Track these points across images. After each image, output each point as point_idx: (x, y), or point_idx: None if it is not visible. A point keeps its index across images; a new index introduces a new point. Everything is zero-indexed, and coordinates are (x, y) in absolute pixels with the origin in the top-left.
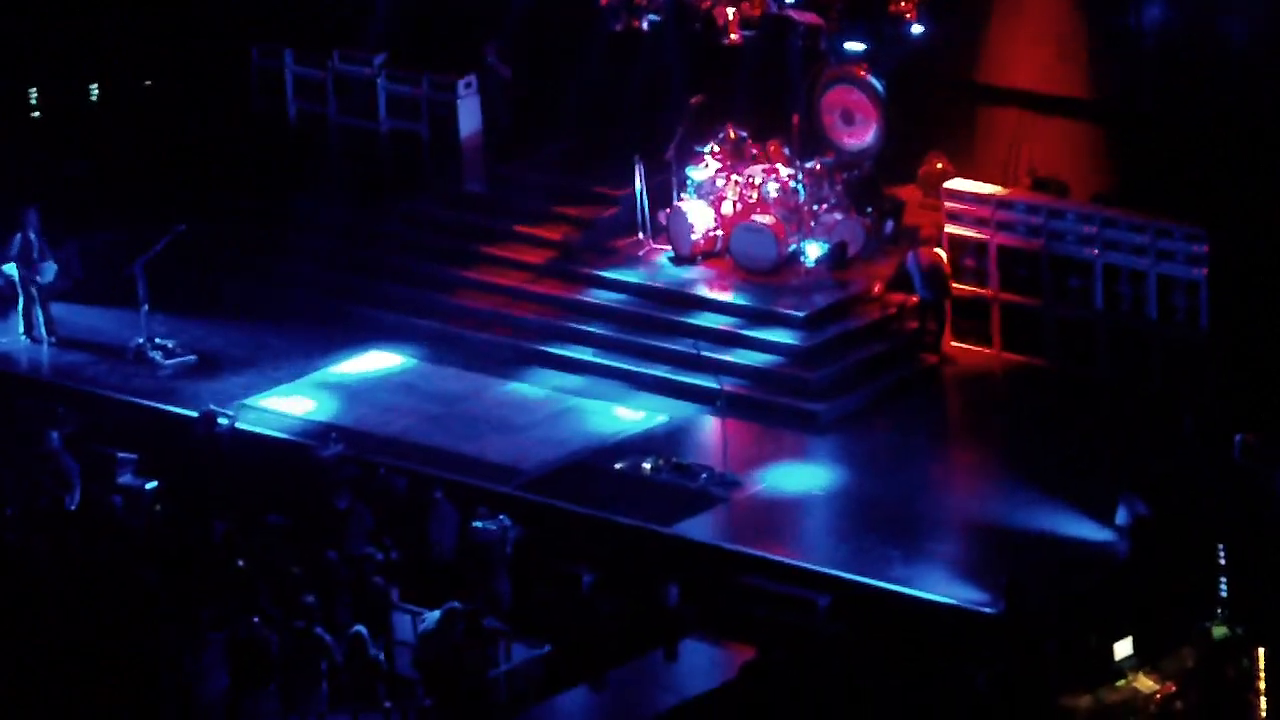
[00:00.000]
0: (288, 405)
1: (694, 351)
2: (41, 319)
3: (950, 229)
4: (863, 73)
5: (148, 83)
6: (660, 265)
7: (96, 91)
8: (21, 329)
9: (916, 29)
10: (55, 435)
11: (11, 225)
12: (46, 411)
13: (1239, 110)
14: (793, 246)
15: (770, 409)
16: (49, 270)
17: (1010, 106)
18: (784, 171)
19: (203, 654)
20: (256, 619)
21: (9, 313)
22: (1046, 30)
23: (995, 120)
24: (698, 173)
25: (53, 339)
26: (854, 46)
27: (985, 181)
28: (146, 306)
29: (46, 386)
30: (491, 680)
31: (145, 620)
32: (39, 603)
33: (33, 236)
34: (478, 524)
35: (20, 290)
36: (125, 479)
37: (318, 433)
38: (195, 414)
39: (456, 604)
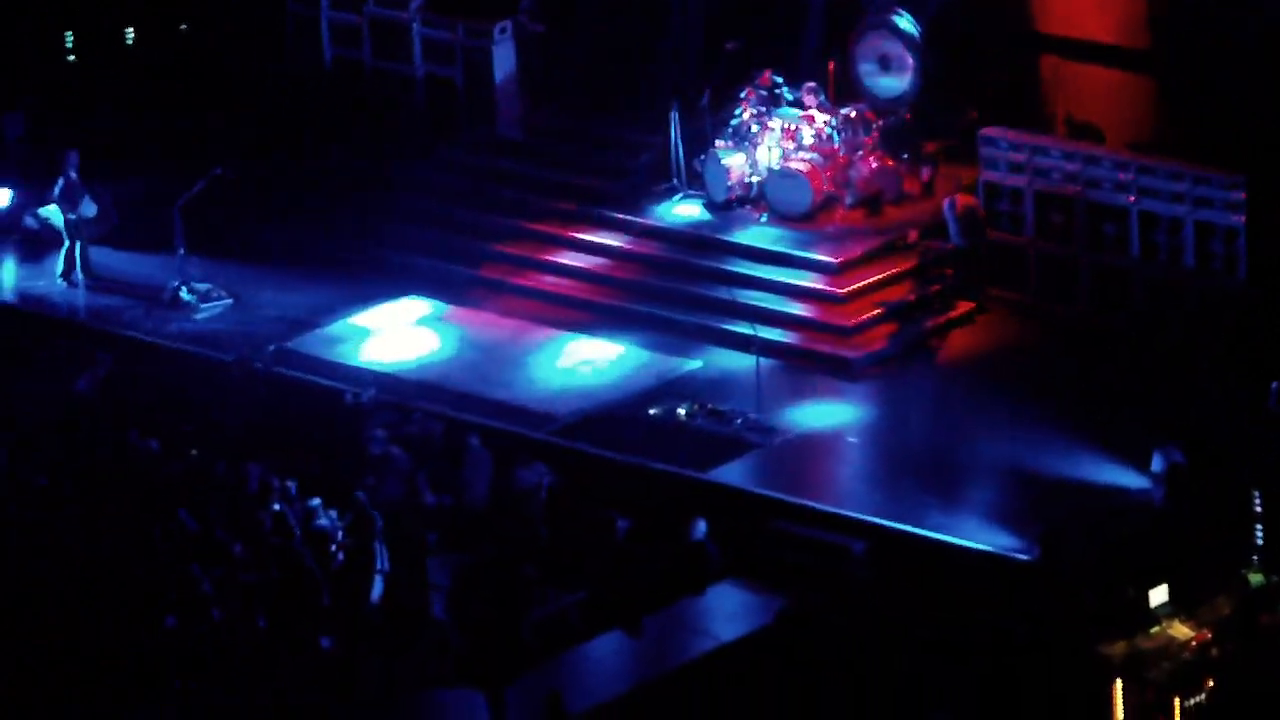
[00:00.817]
0: (323, 349)
1: (729, 297)
2: (80, 262)
3: (985, 176)
4: (900, 19)
5: (183, 27)
6: (695, 211)
7: (132, 35)
8: (60, 270)
9: None
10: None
11: (52, 169)
12: (82, 354)
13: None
14: (827, 192)
15: (805, 355)
16: (89, 206)
17: (1049, 53)
18: (819, 118)
19: (235, 595)
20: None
21: (45, 256)
22: None
23: (1033, 66)
24: (734, 119)
25: (90, 282)
26: None
27: (1022, 128)
28: (183, 250)
29: (82, 329)
30: (525, 626)
31: (180, 561)
32: (64, 551)
33: (74, 177)
34: (518, 471)
35: (65, 234)
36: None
37: (352, 378)
38: (230, 357)
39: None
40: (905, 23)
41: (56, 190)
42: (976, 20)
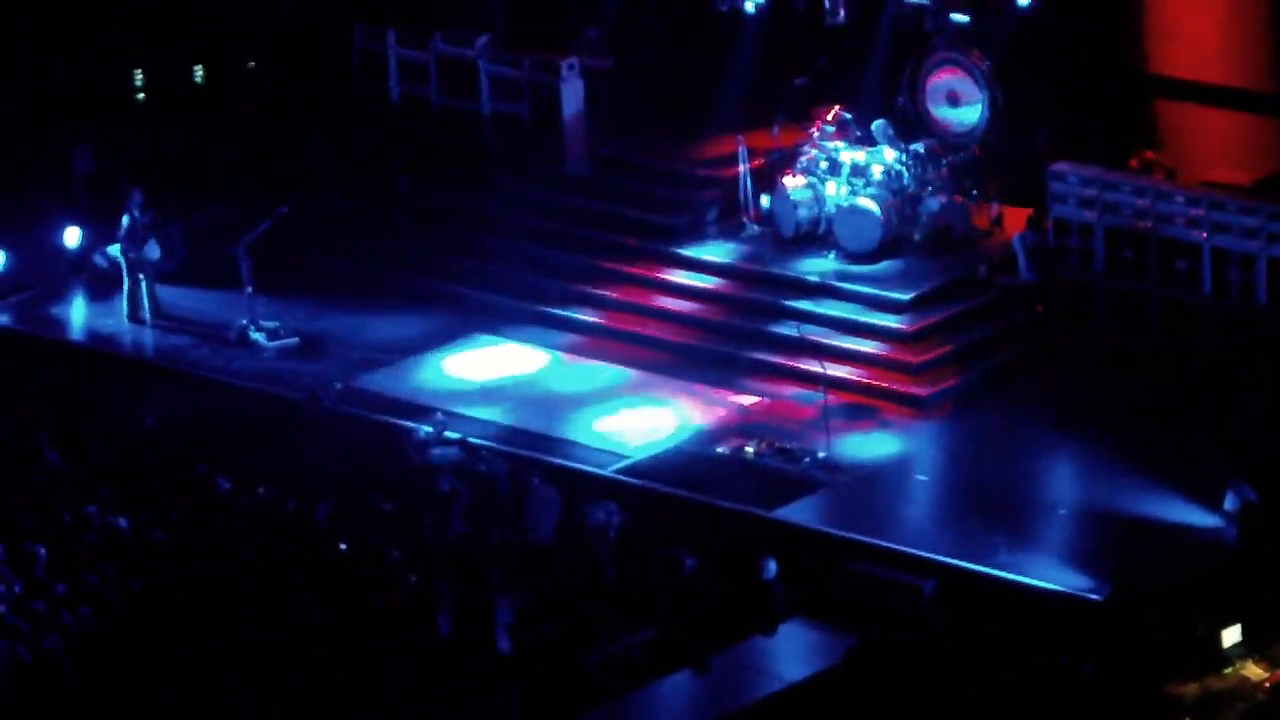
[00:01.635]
0: (390, 387)
1: (797, 334)
2: (147, 301)
3: (1055, 210)
4: (970, 53)
5: (251, 64)
6: (764, 247)
7: (201, 73)
8: (126, 311)
9: (1023, 0)
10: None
11: (119, 207)
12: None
13: None
14: (896, 229)
15: (874, 392)
16: (153, 249)
17: (1124, 85)
18: (889, 153)
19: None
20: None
21: (115, 295)
22: (1163, 9)
23: (1108, 100)
24: (802, 154)
25: (157, 322)
26: (959, 18)
27: (1095, 163)
28: (250, 288)
29: (148, 368)
30: (590, 664)
31: (250, 602)
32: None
33: (138, 215)
34: (588, 508)
35: (126, 272)
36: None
37: (419, 416)
38: (299, 395)
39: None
40: (975, 57)
41: (122, 229)
42: (1046, 52)
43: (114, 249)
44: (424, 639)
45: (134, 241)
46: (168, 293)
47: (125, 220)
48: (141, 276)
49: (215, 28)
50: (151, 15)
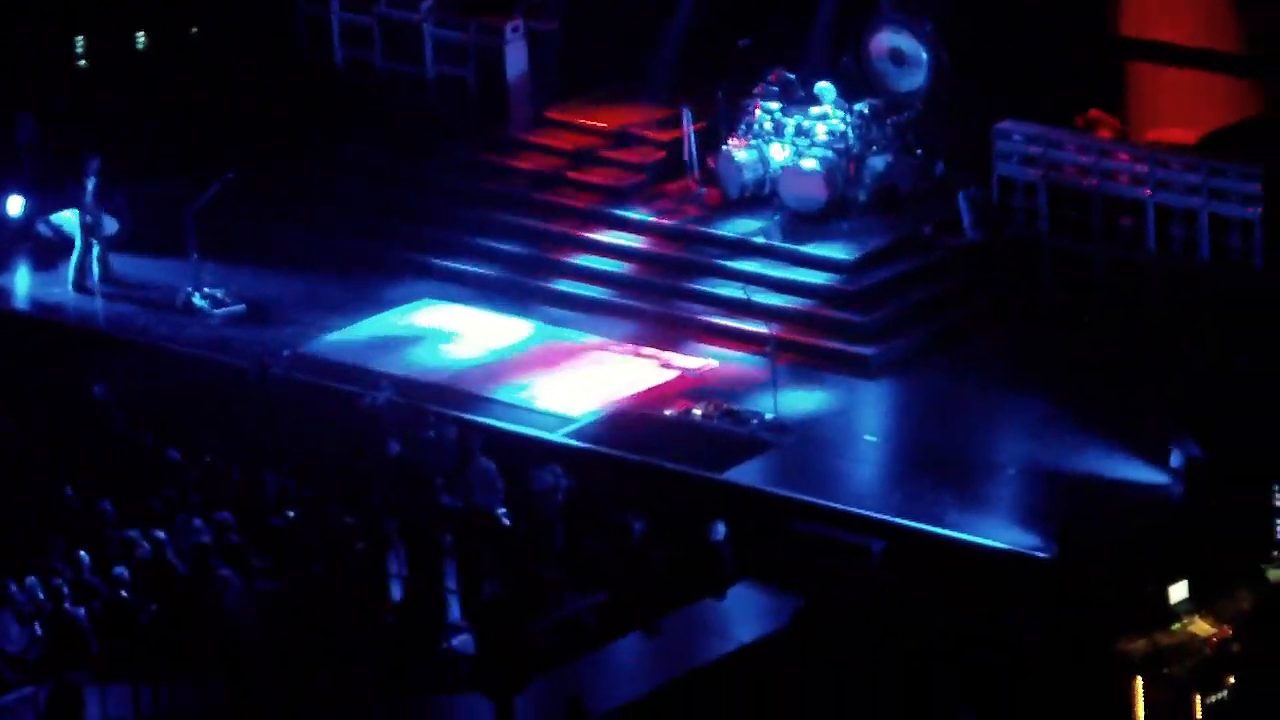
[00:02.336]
0: (338, 353)
1: (744, 296)
2: (97, 269)
3: (1000, 170)
4: (914, 12)
5: (194, 30)
6: (709, 209)
7: (143, 40)
8: (73, 280)
9: None
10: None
11: (62, 175)
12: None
13: None
14: (841, 189)
15: (821, 353)
16: (110, 223)
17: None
18: (833, 114)
19: (253, 602)
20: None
21: (58, 263)
22: None
23: (1052, 58)
24: (747, 116)
25: (107, 289)
26: None
27: (1040, 122)
28: (196, 255)
29: (96, 337)
30: (539, 630)
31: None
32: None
33: (96, 181)
34: (534, 471)
35: (80, 239)
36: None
37: (367, 381)
38: (245, 363)
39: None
40: (919, 17)
41: (87, 192)
42: (992, 12)
43: (60, 217)
44: (374, 606)
45: (95, 207)
46: (114, 260)
47: (92, 182)
48: (94, 243)
49: None
50: None
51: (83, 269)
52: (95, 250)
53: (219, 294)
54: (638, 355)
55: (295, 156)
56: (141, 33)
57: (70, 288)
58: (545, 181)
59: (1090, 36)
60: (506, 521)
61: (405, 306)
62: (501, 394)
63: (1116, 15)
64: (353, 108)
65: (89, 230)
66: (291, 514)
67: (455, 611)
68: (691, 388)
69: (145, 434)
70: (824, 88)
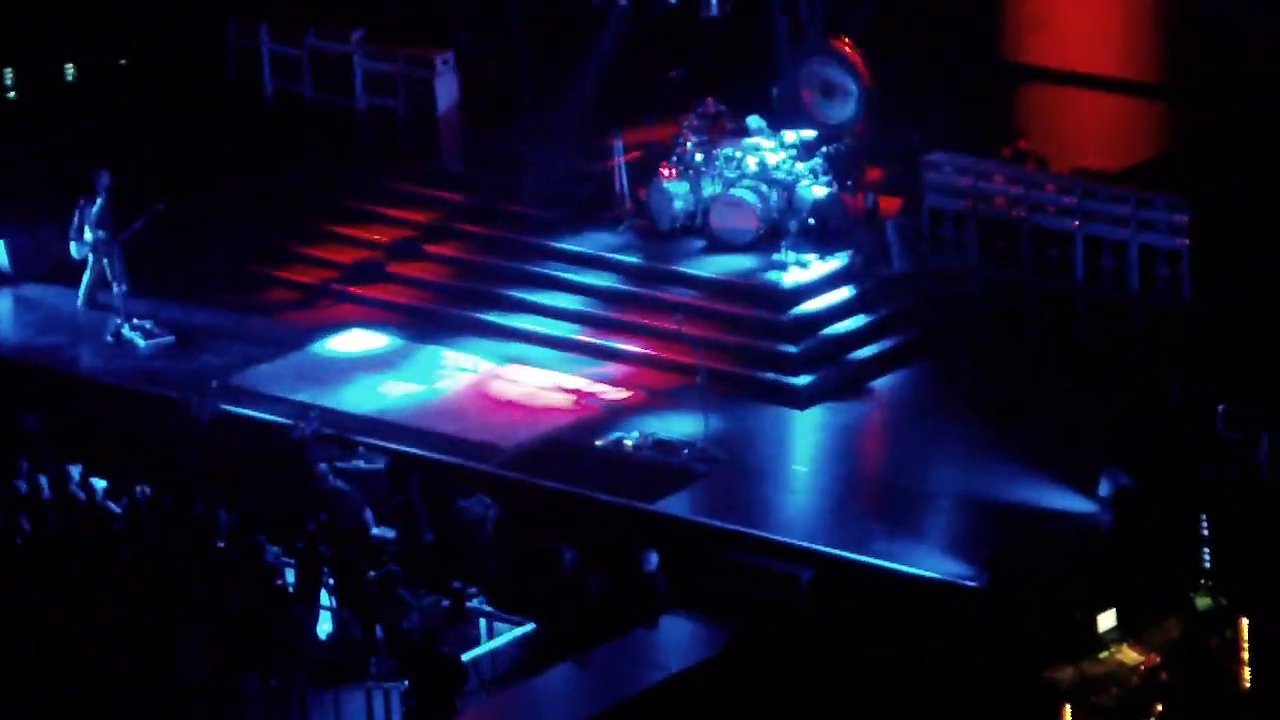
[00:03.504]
0: (267, 384)
1: (675, 326)
2: (106, 279)
3: (929, 200)
4: (843, 44)
5: (123, 61)
6: (640, 240)
7: (72, 71)
8: (83, 298)
9: None
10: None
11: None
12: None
13: (1222, 80)
14: (773, 220)
15: (751, 384)
16: (84, 247)
17: (996, 76)
18: (764, 145)
19: (187, 636)
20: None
21: None
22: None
23: (980, 90)
24: (678, 146)
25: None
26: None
27: (969, 153)
28: (125, 287)
29: (21, 369)
30: (473, 659)
31: (126, 602)
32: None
33: (105, 200)
34: (462, 503)
35: (92, 257)
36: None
37: (297, 412)
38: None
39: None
40: (849, 49)
41: (92, 212)
42: (920, 45)
43: (76, 247)
44: (304, 637)
45: (105, 224)
46: (41, 292)
47: (100, 201)
48: (105, 260)
49: (86, 25)
50: (21, 13)
51: (94, 285)
52: (107, 266)
53: (148, 325)
54: (568, 386)
55: (224, 187)
56: (70, 64)
57: (81, 304)
58: (475, 214)
59: (1015, 68)
60: (435, 552)
61: (333, 337)
62: (430, 424)
63: (1042, 46)
64: (283, 138)
65: (99, 247)
66: (221, 545)
67: (384, 643)
68: (621, 418)
69: (72, 465)
70: (754, 118)
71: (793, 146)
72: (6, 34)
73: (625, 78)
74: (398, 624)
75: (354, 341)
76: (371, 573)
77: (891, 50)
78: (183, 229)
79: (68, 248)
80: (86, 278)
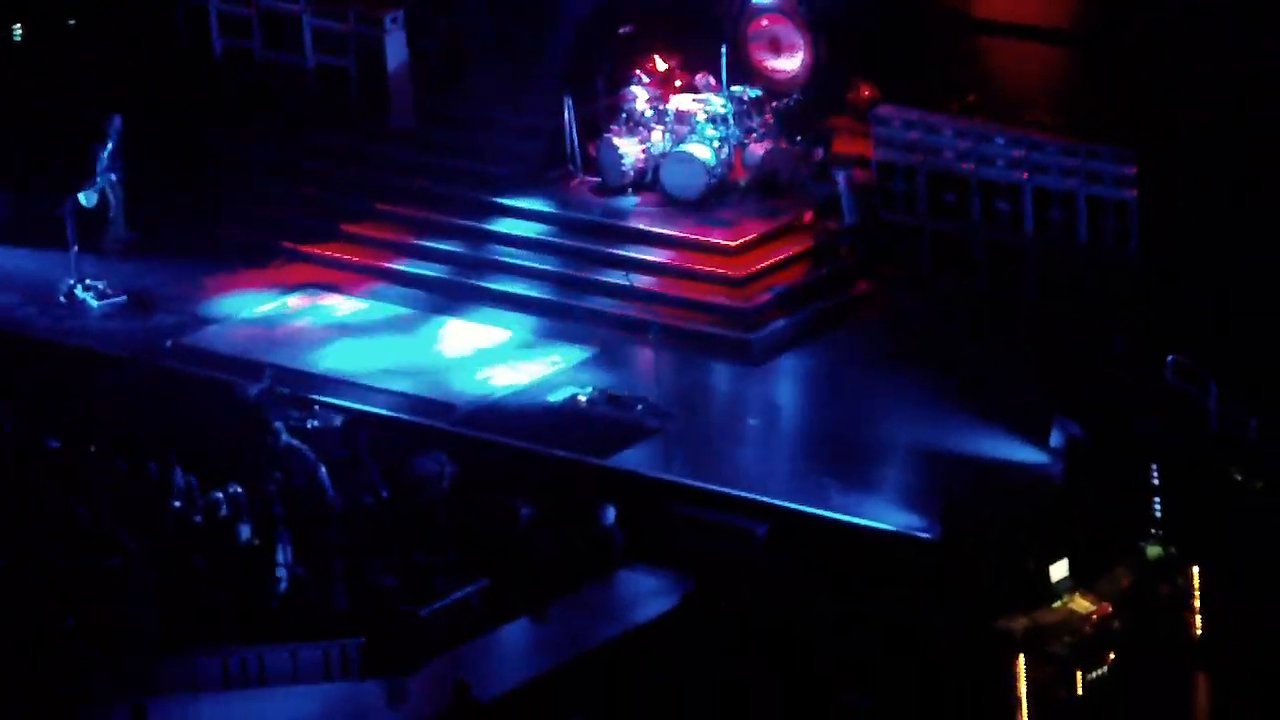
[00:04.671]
0: (220, 343)
1: (626, 283)
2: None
3: (879, 155)
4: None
5: (71, 22)
6: (590, 197)
7: (20, 31)
8: (109, 242)
9: None
10: None
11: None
12: None
13: (1168, 31)
14: (721, 175)
15: (703, 339)
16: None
17: (945, 28)
18: (713, 101)
19: (136, 590)
20: (197, 559)
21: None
22: None
23: (929, 44)
24: (627, 103)
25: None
26: None
27: (917, 107)
28: (76, 248)
29: None
30: (428, 615)
31: (76, 555)
32: None
33: (116, 145)
34: (418, 460)
35: (113, 200)
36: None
37: (250, 370)
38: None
39: None
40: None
41: (104, 155)
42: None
43: (86, 195)
44: (260, 595)
45: (115, 168)
46: None
47: (110, 145)
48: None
49: None
50: None
51: (114, 228)
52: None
53: (101, 285)
54: (522, 342)
55: (175, 147)
56: (18, 25)
57: (109, 249)
58: (426, 170)
59: (963, 20)
60: (390, 509)
61: (287, 295)
62: (385, 382)
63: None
64: (232, 98)
65: (111, 189)
66: (178, 504)
67: (341, 599)
68: (575, 374)
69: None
70: (704, 75)
71: (742, 102)
72: None
73: (576, 34)
74: (356, 581)
75: (310, 300)
76: (330, 528)
77: (839, 5)
78: (134, 191)
79: (74, 199)
80: (113, 220)
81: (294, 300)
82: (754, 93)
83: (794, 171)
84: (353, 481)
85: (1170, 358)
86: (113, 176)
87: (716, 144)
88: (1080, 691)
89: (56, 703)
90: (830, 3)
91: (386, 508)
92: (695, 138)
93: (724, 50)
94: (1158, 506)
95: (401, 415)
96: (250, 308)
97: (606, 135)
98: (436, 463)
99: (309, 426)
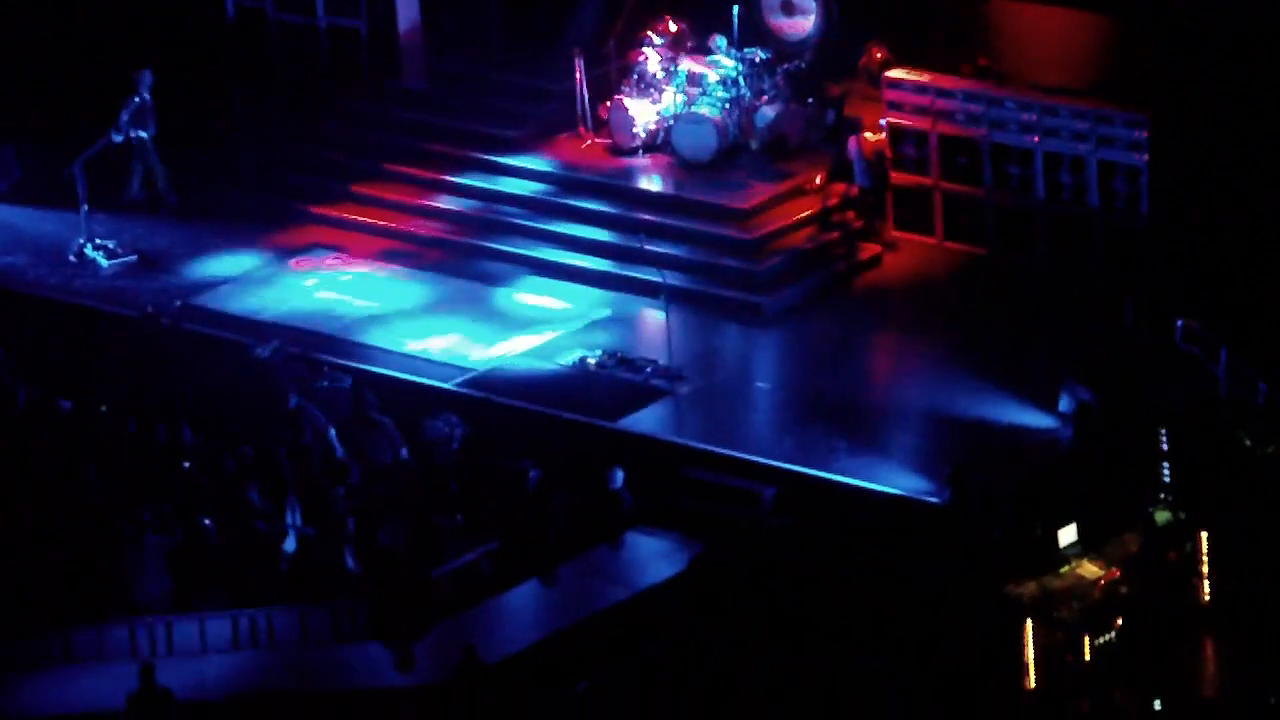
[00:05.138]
0: (230, 303)
1: (638, 245)
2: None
3: (891, 118)
4: None
5: None
6: (601, 159)
7: None
8: (137, 191)
9: None
10: None
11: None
12: None
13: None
14: (733, 137)
15: (714, 302)
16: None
17: None
18: (725, 63)
19: (142, 555)
20: (206, 520)
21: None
22: None
23: (940, 6)
24: (639, 65)
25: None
26: None
27: (929, 70)
28: (86, 207)
29: None
30: (437, 577)
31: (85, 519)
32: None
33: (147, 99)
34: (428, 421)
35: (135, 155)
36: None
37: (259, 331)
38: (137, 313)
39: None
40: None
41: (127, 112)
42: None
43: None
44: (270, 556)
45: (141, 123)
46: (4, 213)
47: (135, 101)
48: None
49: None
50: None
51: (149, 180)
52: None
53: (111, 245)
54: (533, 304)
55: (186, 107)
56: None
57: (136, 199)
58: (436, 132)
59: None
60: (403, 470)
61: (297, 256)
62: (396, 344)
63: None
64: (244, 58)
65: (139, 145)
66: (186, 465)
67: (351, 561)
68: (585, 337)
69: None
70: (715, 37)
71: (753, 64)
72: None
73: None
74: (367, 541)
75: (320, 262)
76: (340, 490)
77: None
78: (145, 151)
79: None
80: (140, 172)
81: (304, 261)
82: (765, 54)
83: (805, 134)
84: (368, 442)
85: (1180, 322)
86: (143, 134)
87: (727, 106)
88: (1088, 656)
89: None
90: None
91: (402, 468)
92: (707, 99)
93: (736, 11)
94: (1166, 471)
95: (412, 377)
96: (260, 268)
97: (618, 97)
98: (447, 424)
99: (319, 387)
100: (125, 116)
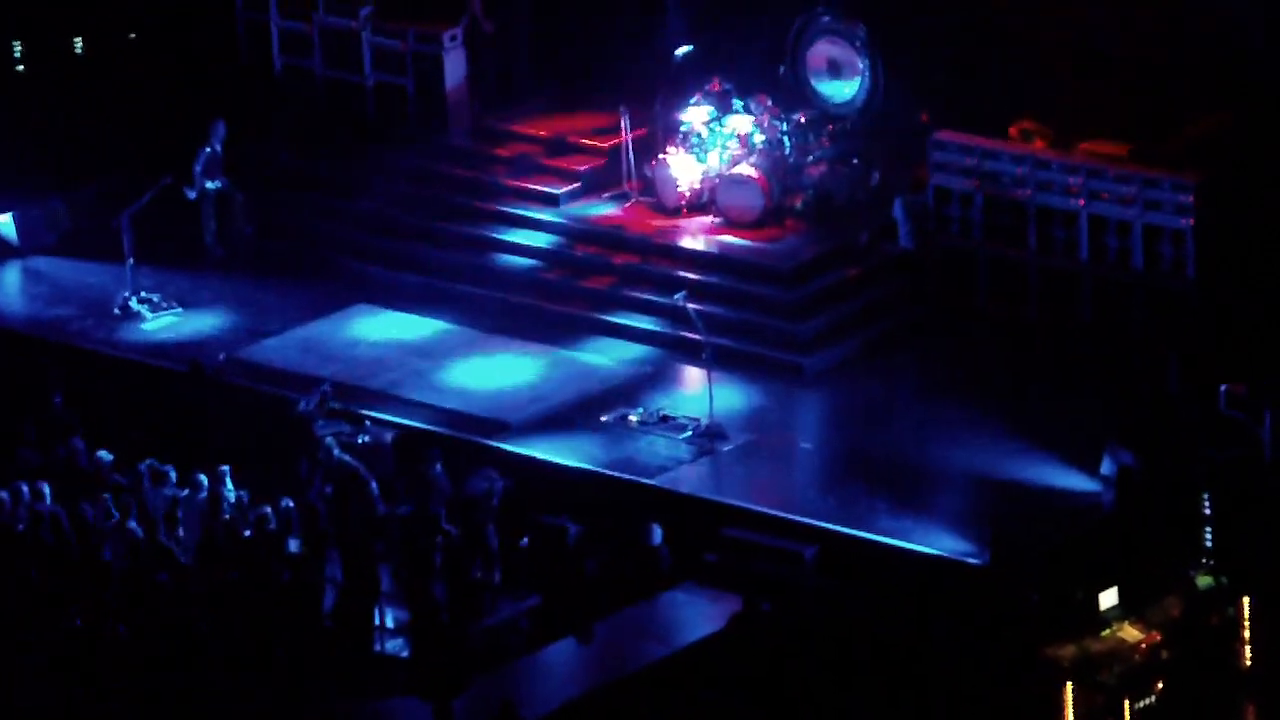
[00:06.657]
0: (273, 357)
1: (680, 303)
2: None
3: (936, 180)
4: (851, 22)
5: (132, 35)
6: (645, 216)
7: (81, 45)
8: (214, 239)
9: None
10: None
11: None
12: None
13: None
14: (778, 198)
15: (756, 361)
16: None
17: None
18: (770, 123)
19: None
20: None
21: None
22: None
23: (989, 69)
24: (684, 124)
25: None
26: None
27: (976, 131)
28: (132, 260)
29: (31, 341)
30: (475, 634)
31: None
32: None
33: (219, 150)
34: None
35: (203, 206)
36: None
37: (302, 386)
38: (182, 366)
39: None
40: (854, 27)
41: (200, 162)
42: (929, 21)
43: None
44: (308, 611)
45: (211, 174)
46: (49, 265)
47: (206, 152)
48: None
49: None
50: None
51: (226, 229)
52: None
53: (156, 298)
54: (574, 361)
55: (233, 162)
56: (80, 38)
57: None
58: (482, 189)
59: (1023, 46)
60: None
61: (342, 312)
62: (437, 399)
63: (1052, 25)
64: (291, 114)
65: (209, 196)
66: (227, 517)
67: (389, 617)
68: (627, 395)
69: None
70: (762, 97)
71: (800, 124)
72: (15, 6)
73: (634, 54)
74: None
75: (364, 317)
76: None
77: (899, 28)
78: (190, 203)
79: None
80: (215, 223)
81: (349, 315)
82: (811, 114)
83: (850, 194)
84: (415, 496)
85: (1224, 387)
86: (217, 184)
87: (772, 166)
88: None
89: None
90: (892, 28)
91: (441, 523)
92: (752, 159)
93: (782, 72)
94: (1209, 536)
95: (452, 432)
96: (304, 323)
97: (663, 155)
98: (487, 479)
99: (360, 442)
100: (199, 168)
